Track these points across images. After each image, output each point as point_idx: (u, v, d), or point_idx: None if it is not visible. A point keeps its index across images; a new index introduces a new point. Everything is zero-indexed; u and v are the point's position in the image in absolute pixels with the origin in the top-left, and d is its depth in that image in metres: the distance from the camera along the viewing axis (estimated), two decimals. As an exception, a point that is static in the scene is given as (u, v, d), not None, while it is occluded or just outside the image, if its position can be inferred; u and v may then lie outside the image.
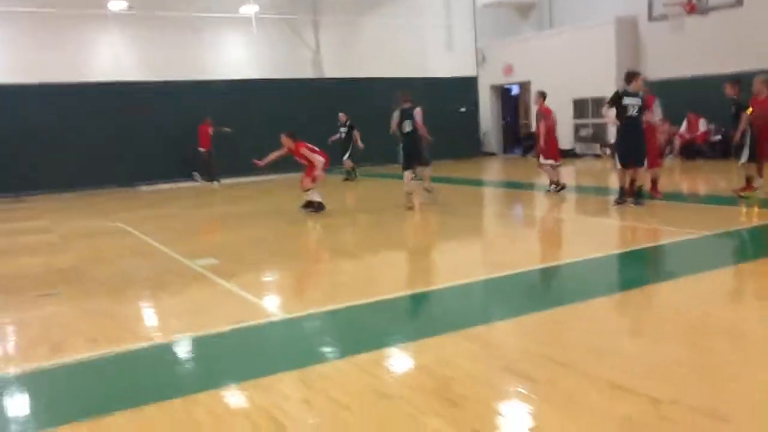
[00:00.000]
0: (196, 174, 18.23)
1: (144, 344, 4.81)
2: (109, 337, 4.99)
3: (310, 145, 11.13)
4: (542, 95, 12.23)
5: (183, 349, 4.70)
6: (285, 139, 10.92)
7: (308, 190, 11.04)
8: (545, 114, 12.03)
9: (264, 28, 20.82)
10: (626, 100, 9.88)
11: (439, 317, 5.24)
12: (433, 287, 6.10)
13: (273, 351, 4.61)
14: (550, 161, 12.13)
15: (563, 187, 12.14)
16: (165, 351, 4.69)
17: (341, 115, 16.74)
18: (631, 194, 10.06)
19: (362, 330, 4.95)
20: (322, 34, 22.97)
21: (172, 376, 4.21)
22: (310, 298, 6.01)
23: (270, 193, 15.65)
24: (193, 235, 10.13)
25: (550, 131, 12.02)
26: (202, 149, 17.85)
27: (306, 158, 10.87)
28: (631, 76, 10.08)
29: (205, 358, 4.57)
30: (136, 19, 18.81)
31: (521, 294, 5.91)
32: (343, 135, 16.52)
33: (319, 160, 10.84)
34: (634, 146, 9.90)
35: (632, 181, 10.09)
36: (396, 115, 11.15)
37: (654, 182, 10.64)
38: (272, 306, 5.88)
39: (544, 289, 6.07)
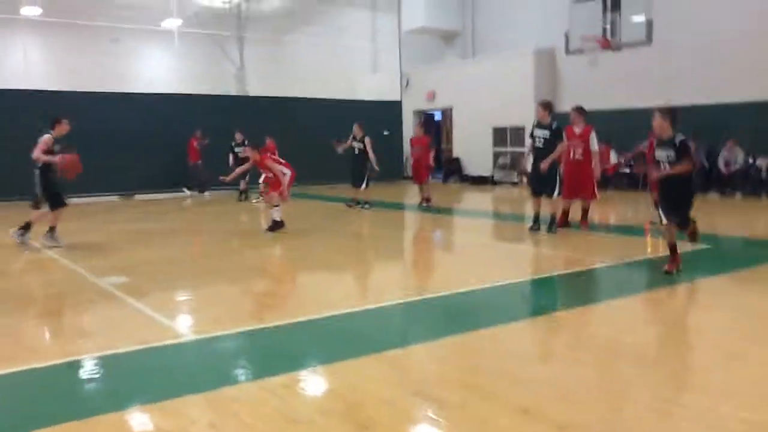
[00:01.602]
0: (184, 189, 18.26)
1: (43, 364, 4.57)
2: (7, 356, 4.72)
3: (275, 157, 10.88)
4: (420, 124, 15.78)
5: (85, 370, 4.48)
6: (249, 152, 10.66)
7: (275, 205, 10.44)
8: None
9: (187, 43, 20.48)
10: (535, 132, 10.06)
11: (355, 340, 5.20)
12: (351, 309, 6.05)
13: (181, 373, 4.46)
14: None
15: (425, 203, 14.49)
16: (65, 371, 4.47)
17: (238, 135, 16.49)
18: (562, 223, 10.19)
19: (275, 352, 4.86)
20: (247, 51, 22.77)
21: (72, 398, 4.01)
22: (223, 319, 5.84)
23: (194, 211, 15.30)
24: (104, 252, 9.74)
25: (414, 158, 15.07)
26: (192, 162, 17.84)
27: (272, 170, 10.42)
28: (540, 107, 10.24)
29: (108, 379, 4.37)
30: (51, 25, 18.14)
31: (437, 318, 5.96)
32: (240, 155, 16.00)
33: (285, 172, 10.36)
34: (541, 177, 9.92)
35: (564, 211, 10.25)
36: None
37: (584, 212, 10.57)
38: (182, 326, 5.70)
39: (460, 313, 6.13)
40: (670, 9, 16.56)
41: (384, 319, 5.90)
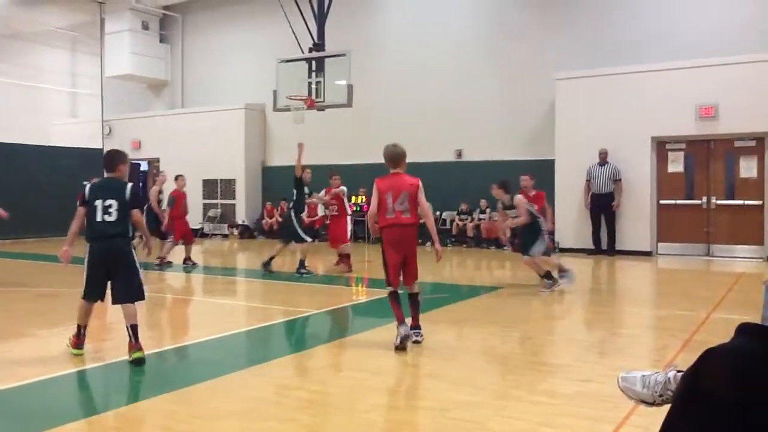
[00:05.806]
0: None
1: None
2: None
3: None
4: (176, 178, 14.08)
5: None
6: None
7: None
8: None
9: None
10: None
11: (30, 415, 4.64)
12: (22, 381, 5.37)
13: None
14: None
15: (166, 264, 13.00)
16: None
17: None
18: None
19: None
20: None
21: None
22: None
23: None
24: None
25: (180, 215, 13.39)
26: None
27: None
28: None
29: None
30: None
31: (140, 379, 5.59)
32: None
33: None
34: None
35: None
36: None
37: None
38: None
39: (165, 371, 5.83)
40: (366, 78, 18.08)
41: (72, 386, 5.36)
